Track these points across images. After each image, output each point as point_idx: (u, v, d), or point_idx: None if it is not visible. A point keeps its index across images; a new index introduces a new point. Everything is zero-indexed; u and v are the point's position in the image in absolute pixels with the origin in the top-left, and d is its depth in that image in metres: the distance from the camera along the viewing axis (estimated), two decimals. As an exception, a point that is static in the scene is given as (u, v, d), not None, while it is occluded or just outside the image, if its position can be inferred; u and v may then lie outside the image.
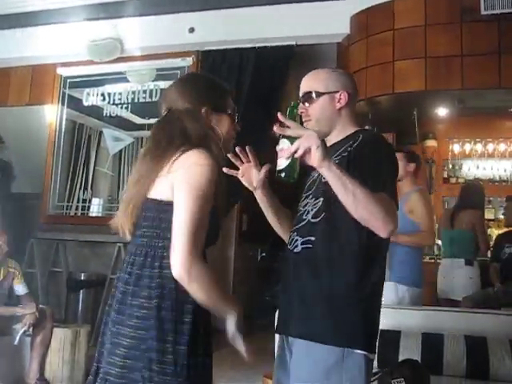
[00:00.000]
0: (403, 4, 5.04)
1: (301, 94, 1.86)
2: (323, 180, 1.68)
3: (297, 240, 1.77)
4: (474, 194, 4.87)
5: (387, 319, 3.29)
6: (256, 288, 7.28)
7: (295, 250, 1.76)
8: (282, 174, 1.57)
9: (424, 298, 4.20)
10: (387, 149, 1.79)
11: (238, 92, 5.44)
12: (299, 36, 5.34)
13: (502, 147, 6.95)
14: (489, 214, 6.76)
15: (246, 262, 7.10)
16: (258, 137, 5.42)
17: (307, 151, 1.51)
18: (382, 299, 1.78)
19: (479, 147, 7.04)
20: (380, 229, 1.58)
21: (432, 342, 3.08)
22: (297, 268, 1.75)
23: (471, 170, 7.10)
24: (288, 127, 1.57)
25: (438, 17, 4.89)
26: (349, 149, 1.74)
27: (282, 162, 1.57)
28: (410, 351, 3.00)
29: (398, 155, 3.06)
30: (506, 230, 5.18)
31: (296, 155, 1.53)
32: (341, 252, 1.67)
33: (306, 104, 1.83)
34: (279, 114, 1.58)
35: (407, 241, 3.33)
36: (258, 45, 5.44)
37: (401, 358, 2.95)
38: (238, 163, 1.89)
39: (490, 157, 7.01)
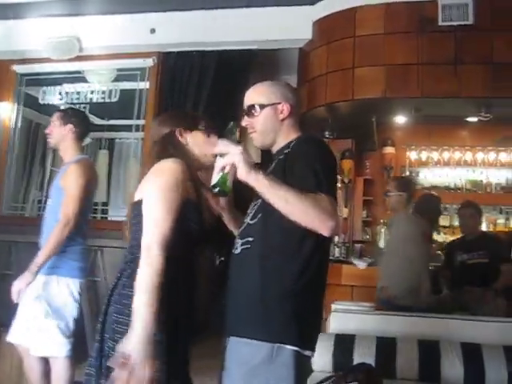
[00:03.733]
0: (365, 12, 5.12)
1: (245, 108, 1.95)
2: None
3: (237, 242, 1.85)
4: (425, 205, 4.95)
5: (342, 323, 3.35)
6: (214, 292, 7.25)
7: (235, 252, 1.85)
8: (215, 189, 1.73)
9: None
10: (318, 147, 1.84)
11: (198, 95, 5.44)
12: (261, 40, 5.36)
13: (457, 155, 7.13)
14: (444, 221, 6.92)
15: (203, 266, 7.07)
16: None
17: (233, 166, 1.67)
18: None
19: (435, 155, 7.20)
20: (319, 228, 1.65)
21: (386, 346, 3.12)
22: (235, 268, 1.83)
23: (427, 177, 7.26)
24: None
25: (397, 26, 4.99)
26: (285, 151, 1.84)
27: (214, 178, 1.74)
28: (364, 355, 3.04)
29: None
30: (456, 237, 5.27)
31: (225, 170, 1.71)
32: (275, 250, 1.74)
33: (250, 117, 1.92)
34: (212, 137, 1.91)
35: None
36: (219, 48, 5.45)
37: (355, 361, 2.99)
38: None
39: (446, 165, 7.18)
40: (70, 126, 3.29)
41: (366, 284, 5.02)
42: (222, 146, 1.77)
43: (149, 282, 1.65)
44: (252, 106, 1.92)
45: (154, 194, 1.80)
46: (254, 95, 1.95)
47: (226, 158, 1.71)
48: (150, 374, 1.58)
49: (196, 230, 1.85)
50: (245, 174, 1.66)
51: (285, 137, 1.92)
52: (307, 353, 1.73)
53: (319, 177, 1.70)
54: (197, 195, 1.88)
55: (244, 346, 1.70)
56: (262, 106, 1.90)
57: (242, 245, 1.82)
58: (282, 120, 1.92)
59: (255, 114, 1.91)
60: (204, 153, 1.99)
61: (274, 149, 1.95)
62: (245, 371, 1.68)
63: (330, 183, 1.73)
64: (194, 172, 1.94)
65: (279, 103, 1.91)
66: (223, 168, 1.72)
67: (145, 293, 1.64)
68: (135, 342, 1.59)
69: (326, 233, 1.65)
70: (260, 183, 1.66)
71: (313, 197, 1.64)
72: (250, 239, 1.79)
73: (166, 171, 1.82)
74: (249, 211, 1.89)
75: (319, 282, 1.80)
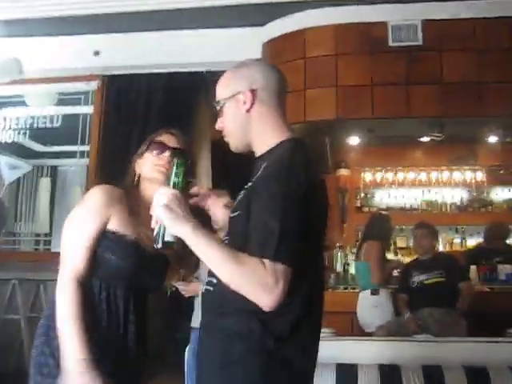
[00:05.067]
0: (315, 33, 5.22)
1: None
2: (231, 214, 1.65)
3: (205, 278, 1.66)
4: (376, 225, 5.08)
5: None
6: (167, 324, 7.15)
7: (202, 289, 1.67)
8: (156, 245, 1.55)
9: (342, 329, 4.32)
10: (287, 187, 1.47)
11: (145, 119, 5.41)
12: (210, 62, 5.38)
13: (411, 176, 7.31)
14: (401, 243, 7.06)
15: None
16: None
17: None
18: None
19: (390, 176, 7.36)
20: (259, 304, 1.42)
21: (347, 373, 3.14)
22: (203, 311, 1.68)
23: (383, 198, 7.40)
24: None
25: (348, 47, 5.11)
26: (253, 179, 1.61)
27: (154, 231, 1.56)
28: (323, 382, 3.05)
29: None
30: (412, 258, 5.40)
31: (157, 224, 1.53)
32: (237, 302, 1.47)
33: (220, 116, 1.73)
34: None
35: None
36: (166, 70, 5.46)
37: (315, 390, 2.99)
38: (202, 204, 1.84)
39: (401, 185, 7.34)
40: None
41: (325, 309, 5.06)
42: (155, 197, 1.54)
43: (66, 312, 1.70)
44: (217, 104, 1.71)
45: (66, 225, 1.85)
46: (218, 90, 1.72)
47: (153, 209, 1.53)
48: None
49: (115, 262, 1.83)
50: (168, 226, 1.49)
51: (261, 135, 1.67)
52: None
53: (270, 236, 1.42)
54: (128, 222, 1.86)
55: None
56: (224, 101, 1.68)
57: (207, 284, 1.62)
58: (248, 111, 1.65)
59: (220, 111, 1.70)
60: (151, 170, 1.96)
61: (256, 151, 1.70)
62: None
63: (287, 242, 1.43)
64: (131, 198, 1.92)
65: (240, 92, 1.66)
66: (156, 221, 1.53)
67: (65, 324, 1.69)
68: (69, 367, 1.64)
69: (264, 308, 1.42)
70: (190, 240, 1.47)
71: (251, 266, 1.41)
72: (214, 281, 1.56)
73: (83, 201, 1.88)
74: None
75: (297, 340, 1.55)
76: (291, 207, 1.46)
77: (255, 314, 1.47)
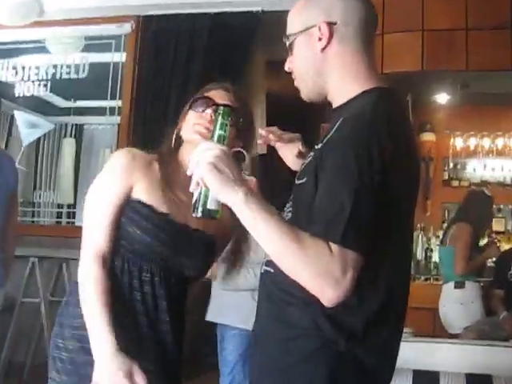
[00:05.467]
0: (396, -37, 5.14)
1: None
2: (297, 180, 1.61)
3: (265, 256, 1.62)
4: (473, 205, 4.97)
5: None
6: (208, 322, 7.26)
7: (261, 270, 1.66)
8: (195, 212, 1.45)
9: (422, 329, 4.31)
10: (365, 152, 1.40)
11: (188, 69, 5.45)
12: (266, 0, 5.38)
13: (514, 143, 7.14)
14: (497, 226, 6.91)
15: (198, 288, 7.07)
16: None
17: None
18: None
19: (487, 143, 7.19)
20: (320, 297, 1.37)
21: (426, 382, 3.15)
22: (260, 297, 1.68)
23: (477, 170, 7.25)
24: None
25: (438, -20, 5.02)
26: (324, 140, 1.53)
27: (194, 196, 1.46)
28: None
29: None
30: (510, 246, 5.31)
31: (198, 187, 1.43)
32: (299, 290, 1.43)
33: (290, 56, 1.67)
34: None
35: None
36: (213, 10, 5.46)
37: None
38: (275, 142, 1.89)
39: (500, 155, 7.17)
40: None
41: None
42: (196, 153, 1.44)
43: (91, 296, 1.75)
44: (287, 39, 1.64)
45: (88, 195, 1.90)
46: (289, 20, 1.66)
47: (196, 169, 1.41)
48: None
49: (139, 237, 1.84)
50: (215, 191, 1.39)
51: (339, 82, 1.60)
52: None
53: (340, 213, 1.36)
54: (157, 192, 1.88)
55: None
56: (294, 36, 1.62)
57: (266, 264, 1.61)
58: (323, 50, 1.57)
59: (290, 51, 1.64)
60: (191, 132, 1.95)
61: (333, 101, 1.64)
62: None
63: (361, 222, 1.37)
64: (163, 162, 1.95)
65: (314, 25, 1.57)
66: (197, 184, 1.42)
67: (85, 306, 1.76)
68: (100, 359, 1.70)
69: (325, 303, 1.37)
70: (241, 210, 1.38)
71: (315, 250, 1.35)
72: None
73: (104, 169, 1.92)
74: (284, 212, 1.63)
75: (373, 336, 1.52)
76: (369, 177, 1.38)
77: (321, 306, 1.41)
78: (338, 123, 1.49)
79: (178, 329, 1.95)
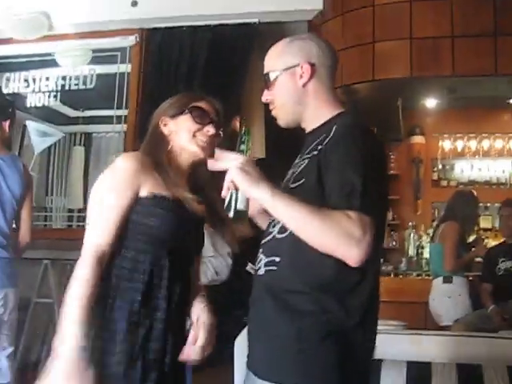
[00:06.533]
0: (385, -25, 5.14)
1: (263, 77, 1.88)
2: (290, 185, 1.74)
3: (261, 260, 1.76)
4: (459, 204, 4.97)
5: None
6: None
7: (259, 272, 1.77)
8: (228, 213, 1.66)
9: (414, 322, 4.30)
10: (362, 146, 1.64)
11: (190, 78, 5.45)
12: (263, 12, 5.36)
13: (499, 144, 7.12)
14: (485, 223, 6.92)
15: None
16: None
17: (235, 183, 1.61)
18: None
19: (473, 144, 7.20)
20: (343, 258, 1.54)
21: (418, 372, 3.13)
22: (260, 294, 1.75)
23: (465, 171, 7.26)
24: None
25: (425, -9, 5.01)
26: (319, 147, 1.70)
27: (226, 201, 1.67)
28: (392, 381, 3.05)
29: None
30: (498, 242, 5.29)
31: (229, 191, 1.64)
32: (308, 276, 1.63)
33: (269, 89, 1.84)
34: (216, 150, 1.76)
35: None
36: (213, 22, 5.46)
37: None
38: None
39: (486, 155, 7.17)
40: None
41: (394, 299, 5.04)
42: (219, 160, 1.69)
43: (75, 290, 1.76)
44: (267, 75, 1.84)
45: (93, 197, 1.92)
46: (269, 61, 1.86)
47: (227, 175, 1.63)
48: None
49: (155, 225, 1.87)
50: (246, 190, 1.60)
51: (314, 110, 1.81)
52: None
53: (353, 184, 1.56)
54: (162, 185, 1.91)
55: None
56: (276, 73, 1.81)
57: (266, 265, 1.73)
58: (304, 86, 1.80)
59: (272, 84, 1.82)
60: (189, 139, 1.98)
61: (306, 126, 1.85)
62: None
63: (370, 193, 1.56)
64: (163, 165, 1.96)
65: (297, 65, 1.79)
66: (228, 188, 1.65)
67: (71, 302, 1.74)
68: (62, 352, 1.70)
69: (351, 263, 1.53)
70: (268, 200, 1.58)
71: (336, 217, 1.52)
72: (277, 259, 1.69)
73: (110, 171, 1.91)
74: (274, 219, 1.77)
75: (368, 316, 1.68)
76: (371, 164, 1.61)
77: (328, 291, 1.61)
78: (330, 136, 1.69)
79: (185, 308, 2.01)
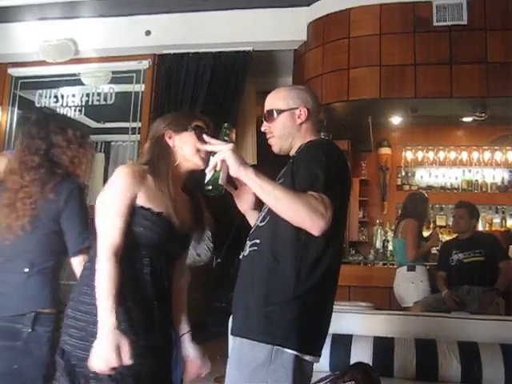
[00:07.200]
0: (359, 13, 5.12)
1: (264, 112, 1.98)
2: (278, 182, 1.82)
3: (247, 244, 1.86)
4: (412, 203, 4.98)
5: (339, 323, 3.35)
6: (211, 294, 7.25)
7: (244, 254, 1.86)
8: (207, 187, 1.74)
9: (380, 303, 4.30)
10: (325, 149, 1.81)
11: (195, 96, 5.45)
12: (256, 42, 5.37)
13: (452, 155, 7.14)
14: (440, 221, 6.95)
15: (200, 268, 7.06)
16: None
17: (225, 163, 1.70)
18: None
19: (431, 155, 7.21)
20: (309, 228, 1.64)
21: (383, 346, 3.13)
22: (243, 270, 1.85)
23: (424, 177, 7.27)
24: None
25: (392, 26, 5.00)
26: (294, 155, 1.87)
27: (207, 177, 1.75)
28: (361, 354, 3.05)
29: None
30: (451, 237, 5.30)
31: (216, 168, 1.72)
32: (280, 254, 1.74)
33: (269, 122, 1.96)
34: (204, 136, 1.84)
35: None
36: (214, 50, 5.46)
37: (352, 361, 2.99)
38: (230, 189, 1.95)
39: (442, 165, 7.19)
40: None
41: (363, 284, 5.04)
42: (213, 144, 1.78)
43: (102, 288, 1.73)
44: (270, 111, 1.95)
45: (101, 203, 1.89)
46: (273, 100, 1.98)
47: (216, 156, 1.72)
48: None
49: (145, 236, 1.84)
50: (235, 170, 1.69)
51: (301, 140, 1.93)
52: (308, 358, 1.72)
53: (317, 176, 1.69)
54: (154, 197, 1.87)
55: (246, 347, 1.72)
56: (280, 111, 1.94)
57: (250, 246, 1.84)
58: (300, 124, 1.94)
59: (273, 119, 1.94)
60: (193, 153, 1.95)
61: (292, 152, 1.95)
62: (245, 371, 1.70)
63: (329, 183, 1.69)
64: (165, 176, 1.92)
65: (297, 108, 1.94)
66: (215, 166, 1.72)
67: (100, 298, 1.72)
68: (100, 334, 1.69)
69: (315, 232, 1.64)
70: (250, 179, 1.68)
71: (304, 196, 1.64)
72: (258, 241, 1.80)
73: (113, 179, 1.88)
74: (260, 213, 1.90)
75: (326, 286, 1.78)
76: (332, 165, 1.75)
77: (294, 264, 1.71)
78: (300, 148, 1.87)
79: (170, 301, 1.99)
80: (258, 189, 1.69)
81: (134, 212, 1.84)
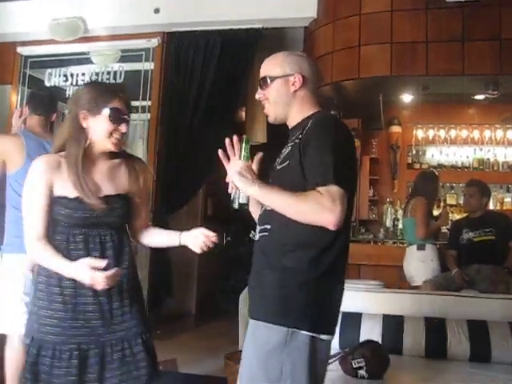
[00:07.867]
0: (370, -11, 5.07)
1: (259, 79, 1.95)
2: (277, 166, 1.87)
3: (257, 229, 1.89)
4: (422, 182, 4.96)
5: (349, 301, 3.38)
6: (221, 272, 7.31)
7: (255, 238, 1.89)
8: (233, 205, 1.86)
9: (390, 282, 4.31)
10: (332, 132, 1.78)
11: (204, 74, 5.44)
12: (266, 19, 5.33)
13: (464, 134, 7.08)
14: (451, 200, 6.92)
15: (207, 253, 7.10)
16: (222, 121, 5.43)
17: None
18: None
19: (442, 133, 7.15)
20: (323, 225, 1.66)
21: (392, 324, 3.15)
22: (256, 255, 1.87)
23: (434, 156, 7.22)
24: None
25: (403, 3, 4.93)
26: (300, 136, 1.80)
27: (232, 194, 1.85)
28: (370, 333, 3.07)
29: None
30: (462, 216, 5.28)
31: (232, 190, 1.81)
32: (291, 239, 1.75)
33: (263, 89, 1.92)
34: (227, 141, 1.84)
35: None
36: (224, 27, 5.42)
37: (362, 339, 3.02)
38: (225, 162, 1.92)
39: (453, 143, 7.13)
40: None
41: (373, 262, 5.05)
42: (225, 164, 1.84)
43: (43, 259, 1.99)
44: (264, 78, 1.91)
45: (23, 192, 2.03)
46: (267, 67, 1.94)
47: (228, 178, 1.80)
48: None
49: (71, 220, 1.99)
50: (244, 192, 1.78)
51: (299, 110, 1.90)
52: (323, 337, 1.74)
53: (327, 164, 1.68)
54: (68, 183, 1.98)
55: (262, 329, 1.74)
56: (273, 78, 1.89)
57: (260, 232, 1.86)
58: (295, 92, 1.89)
59: (267, 85, 1.90)
60: (105, 137, 2.01)
61: (290, 123, 1.93)
62: (261, 353, 1.73)
63: (340, 171, 1.68)
64: (75, 160, 1.99)
65: (291, 74, 1.88)
66: (232, 187, 1.82)
67: (47, 264, 1.99)
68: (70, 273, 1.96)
69: (330, 227, 1.65)
70: (259, 196, 1.76)
71: (309, 196, 1.66)
72: (268, 227, 1.81)
73: (28, 174, 2.00)
74: None
75: (338, 268, 1.79)
76: (340, 148, 1.73)
77: (306, 249, 1.72)
78: (307, 126, 1.79)
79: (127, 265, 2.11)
80: (270, 202, 1.76)
81: (53, 201, 1.98)
